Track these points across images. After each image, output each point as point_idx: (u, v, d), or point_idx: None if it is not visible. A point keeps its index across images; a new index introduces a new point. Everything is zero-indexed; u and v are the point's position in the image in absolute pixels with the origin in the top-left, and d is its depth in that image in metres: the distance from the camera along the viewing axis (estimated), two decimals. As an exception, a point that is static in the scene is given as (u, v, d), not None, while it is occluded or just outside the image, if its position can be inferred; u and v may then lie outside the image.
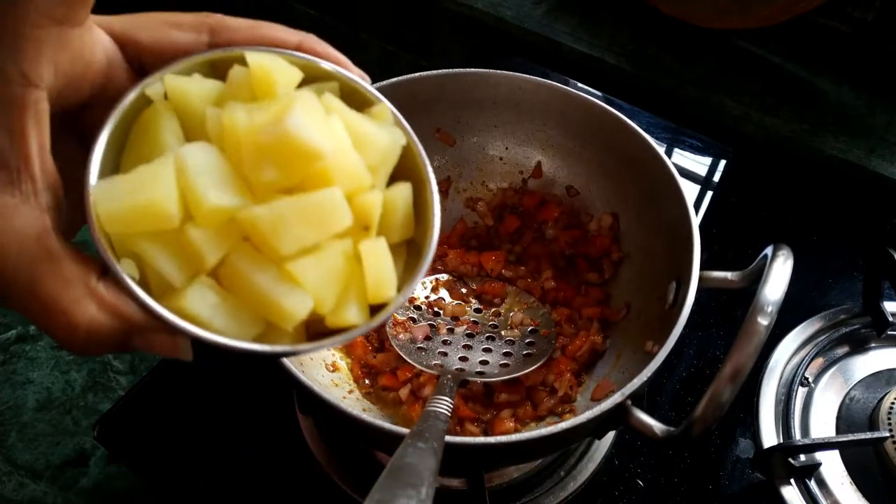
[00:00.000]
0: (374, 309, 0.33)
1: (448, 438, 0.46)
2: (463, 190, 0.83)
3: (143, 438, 0.74)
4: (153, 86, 0.31)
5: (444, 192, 0.82)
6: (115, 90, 0.31)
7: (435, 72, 0.72)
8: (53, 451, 0.97)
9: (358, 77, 0.35)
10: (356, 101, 0.35)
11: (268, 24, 0.33)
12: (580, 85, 1.11)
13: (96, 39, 0.30)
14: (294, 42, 0.33)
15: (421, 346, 0.68)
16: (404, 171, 0.35)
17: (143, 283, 0.29)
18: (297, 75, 0.33)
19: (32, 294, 0.27)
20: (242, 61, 0.32)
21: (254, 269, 0.30)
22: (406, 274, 0.35)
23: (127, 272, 0.28)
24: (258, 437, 0.73)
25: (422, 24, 1.30)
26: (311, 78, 0.34)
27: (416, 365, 0.65)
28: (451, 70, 0.74)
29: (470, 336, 0.70)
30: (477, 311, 0.74)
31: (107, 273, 0.28)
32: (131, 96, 0.31)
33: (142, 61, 0.32)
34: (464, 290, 0.76)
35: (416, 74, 0.72)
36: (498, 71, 0.74)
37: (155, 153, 0.30)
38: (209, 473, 0.71)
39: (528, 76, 0.74)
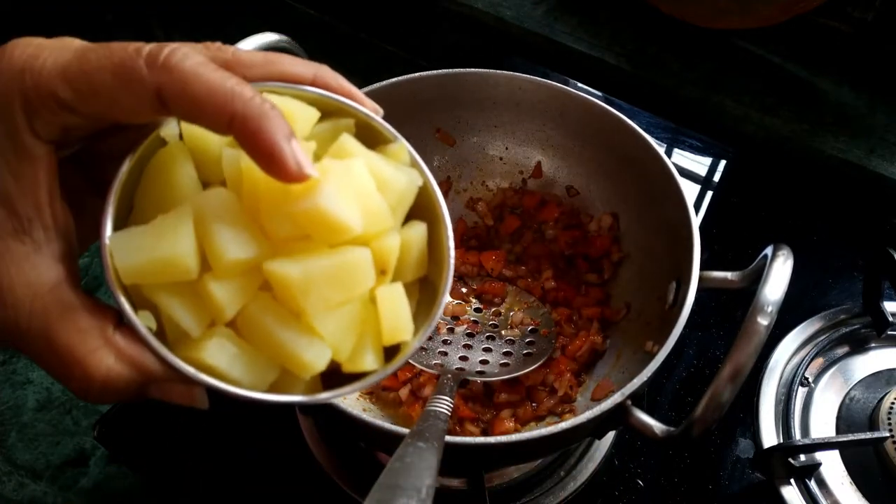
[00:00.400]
0: (389, 350, 0.34)
1: (448, 438, 0.46)
2: (463, 190, 0.83)
3: (143, 438, 0.74)
4: (168, 127, 0.31)
5: (444, 193, 0.81)
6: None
7: (435, 72, 0.72)
8: (53, 451, 0.96)
9: (372, 112, 0.34)
10: (370, 136, 0.34)
11: (281, 59, 0.32)
12: (580, 85, 1.11)
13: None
14: (308, 76, 0.32)
15: (421, 345, 0.68)
16: (418, 207, 0.35)
17: (160, 333, 0.29)
18: (315, 115, 0.32)
19: (48, 345, 0.26)
20: None
21: (274, 321, 0.30)
22: (420, 314, 0.35)
23: (144, 324, 0.28)
24: (258, 437, 0.73)
25: (422, 24, 1.30)
26: (326, 112, 0.33)
27: (416, 364, 0.65)
28: (451, 70, 0.74)
29: (470, 336, 0.70)
30: (477, 310, 0.74)
31: (122, 322, 0.28)
32: (146, 142, 0.30)
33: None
34: (464, 290, 0.76)
35: (416, 74, 0.72)
36: (498, 71, 0.74)
37: (170, 196, 0.30)
38: (209, 473, 0.71)
39: (528, 76, 0.74)
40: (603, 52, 1.13)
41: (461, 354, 0.67)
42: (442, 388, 0.59)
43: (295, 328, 0.30)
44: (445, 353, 0.67)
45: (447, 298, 0.33)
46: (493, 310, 0.74)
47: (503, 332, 0.71)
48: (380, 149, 0.34)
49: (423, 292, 0.36)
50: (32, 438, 0.98)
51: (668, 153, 1.05)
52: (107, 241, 0.28)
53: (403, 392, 0.67)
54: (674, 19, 1.13)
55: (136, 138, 0.30)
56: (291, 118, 0.30)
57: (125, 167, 0.29)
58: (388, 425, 0.48)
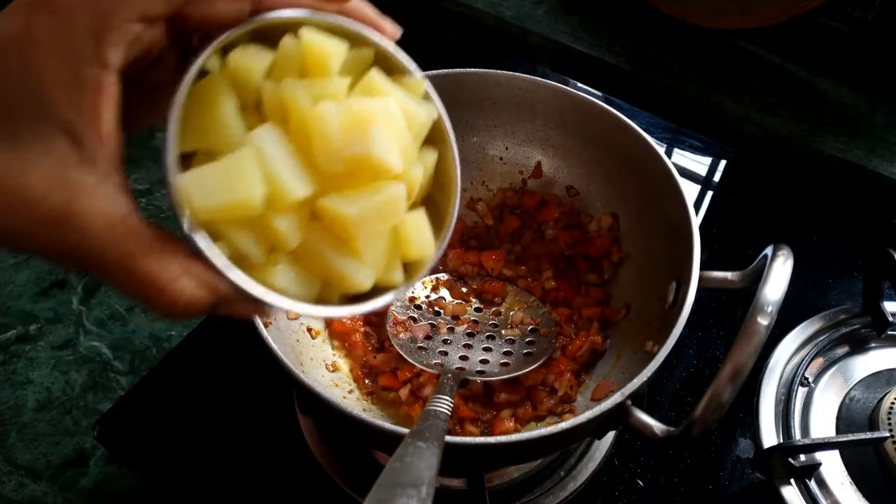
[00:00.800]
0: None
1: (448, 438, 0.46)
2: (463, 190, 0.82)
3: (143, 438, 0.74)
4: (210, 59, 0.32)
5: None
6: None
7: (435, 72, 0.72)
8: (53, 451, 0.96)
9: (390, 38, 0.37)
10: (386, 63, 0.37)
11: None
12: (580, 85, 1.11)
13: (158, 31, 0.31)
14: (334, 4, 0.34)
15: (421, 345, 0.68)
16: (430, 134, 0.39)
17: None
18: (344, 49, 0.35)
19: (129, 274, 0.28)
20: (284, 28, 0.34)
21: (329, 250, 0.34)
22: (434, 232, 0.39)
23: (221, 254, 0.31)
24: (258, 437, 0.73)
25: (422, 24, 1.30)
26: (348, 39, 0.36)
27: (416, 364, 0.65)
28: (451, 70, 0.74)
29: (470, 335, 0.70)
30: (477, 310, 0.74)
31: (194, 252, 0.30)
32: (193, 72, 0.31)
33: (186, 31, 0.32)
34: (464, 290, 0.76)
35: (416, 74, 0.71)
36: (498, 71, 0.74)
37: (216, 128, 0.32)
38: (209, 473, 0.71)
39: (528, 76, 0.74)
40: (603, 52, 1.13)
41: (461, 354, 0.67)
42: (442, 387, 0.59)
43: (346, 255, 0.34)
44: (445, 353, 0.67)
45: (456, 214, 0.38)
46: (493, 309, 0.74)
47: (503, 331, 0.71)
48: (396, 78, 0.37)
49: (430, 212, 0.39)
50: (32, 438, 0.98)
51: (668, 153, 1.05)
52: (178, 182, 0.30)
53: (403, 392, 0.67)
54: (674, 19, 1.13)
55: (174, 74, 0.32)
56: (325, 54, 0.33)
57: (177, 100, 0.31)
58: (388, 425, 0.48)
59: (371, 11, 0.36)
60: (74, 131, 0.27)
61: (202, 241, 0.30)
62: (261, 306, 0.32)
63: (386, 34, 0.36)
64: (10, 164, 0.26)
